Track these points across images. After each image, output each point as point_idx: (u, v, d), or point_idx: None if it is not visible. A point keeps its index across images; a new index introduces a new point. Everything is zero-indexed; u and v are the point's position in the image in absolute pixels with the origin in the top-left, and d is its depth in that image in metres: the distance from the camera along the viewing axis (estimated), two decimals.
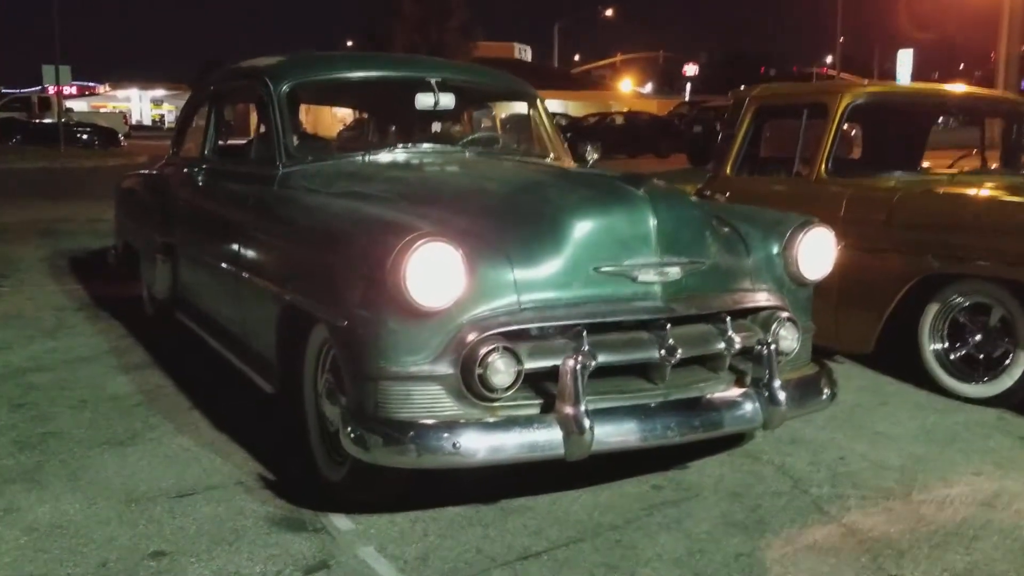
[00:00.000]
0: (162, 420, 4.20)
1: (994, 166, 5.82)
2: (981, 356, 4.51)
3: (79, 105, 53.00)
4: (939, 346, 4.63)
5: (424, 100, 4.54)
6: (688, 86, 78.21)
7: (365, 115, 5.84)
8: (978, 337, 4.50)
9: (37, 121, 33.27)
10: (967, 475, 3.63)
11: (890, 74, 64.12)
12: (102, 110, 54.43)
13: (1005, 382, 4.35)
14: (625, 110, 37.46)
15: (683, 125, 30.51)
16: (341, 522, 3.15)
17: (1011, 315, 4.32)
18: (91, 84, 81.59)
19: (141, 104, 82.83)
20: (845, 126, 5.24)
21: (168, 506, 3.29)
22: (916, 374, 4.74)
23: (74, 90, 66.45)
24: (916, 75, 61.12)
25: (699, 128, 25.72)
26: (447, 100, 4.57)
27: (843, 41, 58.29)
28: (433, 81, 4.56)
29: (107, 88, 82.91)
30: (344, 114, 6.15)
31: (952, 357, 4.60)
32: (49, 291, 7.30)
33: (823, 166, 5.18)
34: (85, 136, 31.19)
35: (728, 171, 5.82)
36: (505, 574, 2.83)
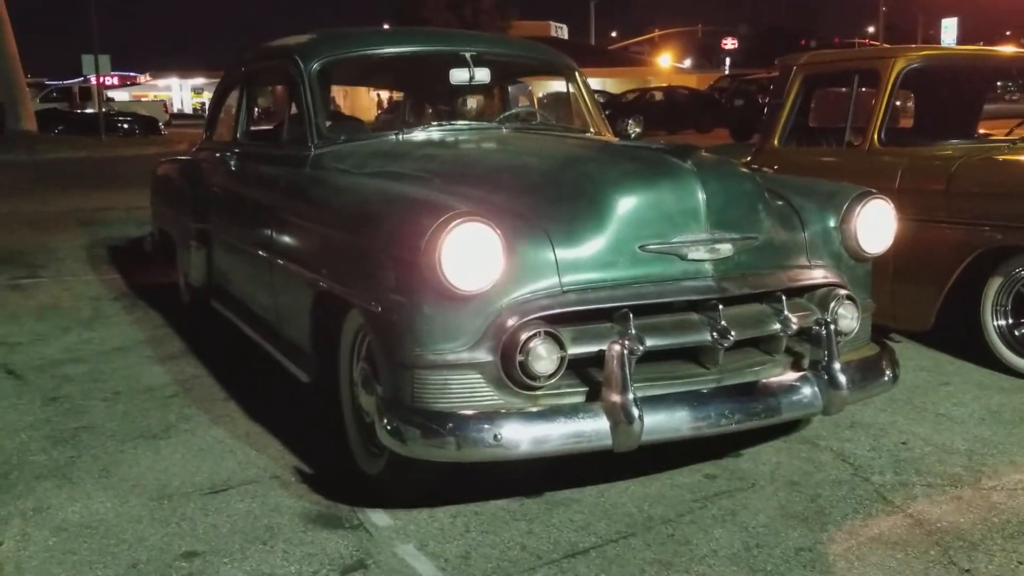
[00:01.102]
0: (197, 411, 4.11)
1: None
2: None
3: (120, 95, 53.66)
4: (1003, 322, 4.40)
5: (459, 75, 4.39)
6: (728, 60, 77.19)
7: (398, 94, 5.72)
8: None
9: (79, 111, 33.60)
10: None
11: (935, 42, 62.86)
12: (143, 99, 54.97)
13: None
14: (664, 85, 36.95)
15: (724, 99, 30.08)
16: (379, 518, 3.03)
17: None
18: (132, 74, 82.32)
19: (181, 93, 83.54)
20: (899, 93, 4.99)
21: (201, 503, 3.18)
22: (978, 352, 4.53)
23: (115, 80, 67.01)
24: (961, 43, 59.87)
25: (740, 101, 25.35)
26: (482, 74, 4.43)
27: (885, 10, 57.19)
28: (468, 55, 4.42)
29: (148, 77, 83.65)
30: (380, 95, 6.05)
31: (1017, 333, 4.37)
32: (86, 280, 7.27)
33: (876, 135, 4.94)
34: (126, 125, 31.43)
35: (776, 142, 5.60)
36: (551, 572, 2.68)
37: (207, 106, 7.50)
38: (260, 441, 3.73)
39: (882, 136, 4.94)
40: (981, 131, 5.87)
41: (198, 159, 5.75)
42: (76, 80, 41.62)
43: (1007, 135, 5.36)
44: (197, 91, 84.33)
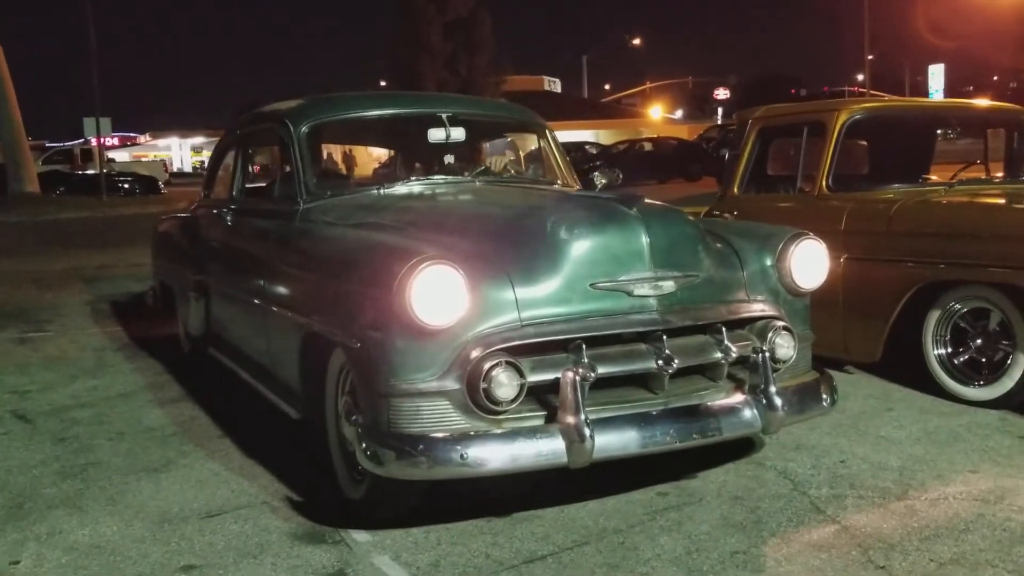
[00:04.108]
0: (194, 448, 4.43)
1: (999, 175, 5.92)
2: (983, 360, 4.61)
3: (121, 155, 54.37)
4: (942, 351, 4.74)
5: (436, 134, 4.76)
6: (720, 110, 78.27)
7: (382, 151, 6.07)
8: (979, 341, 4.62)
9: (80, 172, 34.14)
10: (964, 473, 3.75)
11: (922, 88, 63.89)
12: (143, 159, 55.65)
13: (1006, 384, 4.45)
14: (654, 136, 37.58)
15: (711, 148, 30.63)
16: (359, 535, 3.34)
17: (1008, 319, 4.43)
18: (132, 134, 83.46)
19: (181, 152, 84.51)
20: (844, 142, 5.38)
21: (198, 525, 3.50)
22: (923, 380, 4.85)
23: (115, 141, 67.99)
24: (948, 89, 60.85)
25: (726, 151, 25.78)
26: (458, 134, 4.79)
27: (872, 59, 58.16)
28: (444, 116, 4.78)
29: (147, 137, 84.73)
30: (374, 152, 6.35)
31: (955, 361, 4.72)
32: (90, 333, 7.61)
33: (824, 181, 5.33)
34: (126, 185, 31.95)
35: (735, 190, 5.99)
36: None
37: (207, 163, 7.87)
38: (252, 472, 4.05)
39: (829, 182, 5.32)
40: (932, 176, 6.25)
41: (197, 215, 6.11)
42: (77, 142, 42.29)
43: (951, 178, 5.75)
44: (197, 150, 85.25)
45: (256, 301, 4.39)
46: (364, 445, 3.08)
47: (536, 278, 3.16)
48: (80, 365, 6.38)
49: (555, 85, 67.83)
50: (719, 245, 3.68)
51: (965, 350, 4.69)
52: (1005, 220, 4.62)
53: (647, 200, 3.49)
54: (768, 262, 3.67)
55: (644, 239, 3.26)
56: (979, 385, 4.60)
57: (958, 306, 4.67)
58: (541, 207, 3.80)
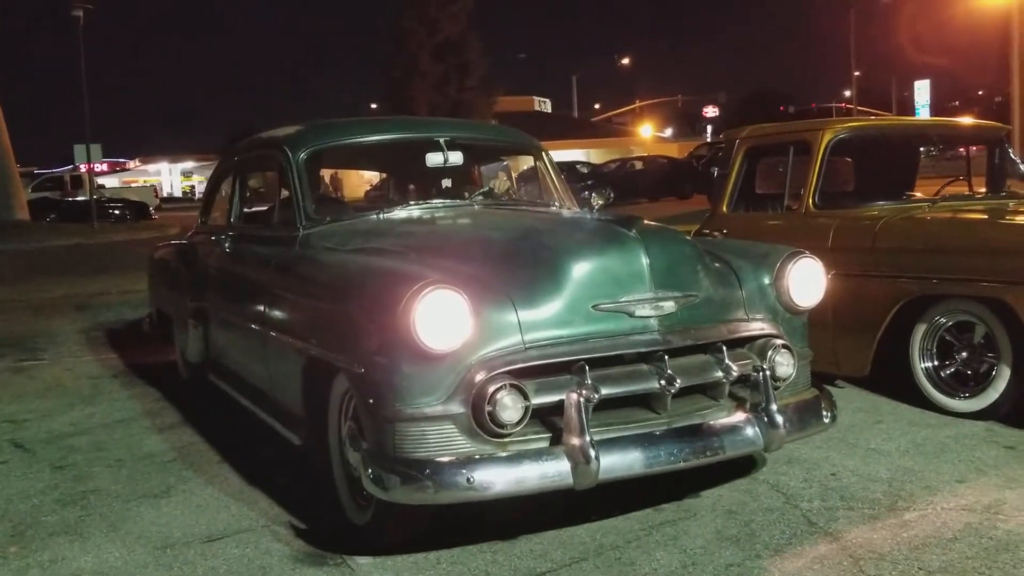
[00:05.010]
0: (194, 474, 4.47)
1: (981, 191, 6.03)
2: (969, 372, 4.70)
3: (110, 181, 54.42)
4: (929, 364, 4.83)
5: (434, 159, 4.79)
6: (709, 127, 78.68)
7: (380, 176, 6.11)
8: (964, 354, 4.71)
9: (70, 199, 34.14)
10: (951, 484, 3.82)
11: (908, 104, 64.40)
12: (133, 184, 55.69)
13: (991, 395, 4.54)
14: (644, 155, 37.80)
15: (701, 166, 30.80)
16: (361, 558, 3.38)
17: (992, 332, 4.51)
18: (121, 160, 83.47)
19: (171, 177, 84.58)
20: (830, 161, 5.48)
21: (200, 550, 3.54)
22: (911, 393, 4.94)
23: (104, 167, 67.96)
24: (935, 104, 61.35)
25: (715, 169, 25.91)
26: (455, 158, 4.82)
27: (860, 75, 58.66)
28: (442, 140, 4.81)
29: (137, 163, 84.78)
30: (373, 177, 6.40)
31: (942, 374, 4.80)
32: (85, 361, 7.65)
33: (811, 199, 5.43)
34: (117, 211, 31.97)
35: (724, 209, 6.08)
36: None
37: (203, 191, 7.88)
38: (252, 497, 4.09)
39: (816, 200, 5.42)
40: (916, 192, 6.36)
41: (195, 242, 6.15)
42: (66, 168, 42.29)
43: (935, 194, 5.85)
44: (187, 175, 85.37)
45: (256, 327, 4.39)
46: (370, 471, 3.09)
47: (538, 301, 3.18)
48: (76, 393, 6.42)
49: (545, 105, 68.15)
50: (717, 264, 3.71)
51: (951, 363, 4.78)
52: (988, 235, 4.71)
53: (645, 221, 3.53)
54: (766, 281, 3.71)
55: (644, 260, 3.29)
56: (965, 397, 4.69)
57: (943, 320, 4.76)
58: (541, 230, 3.82)
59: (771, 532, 3.42)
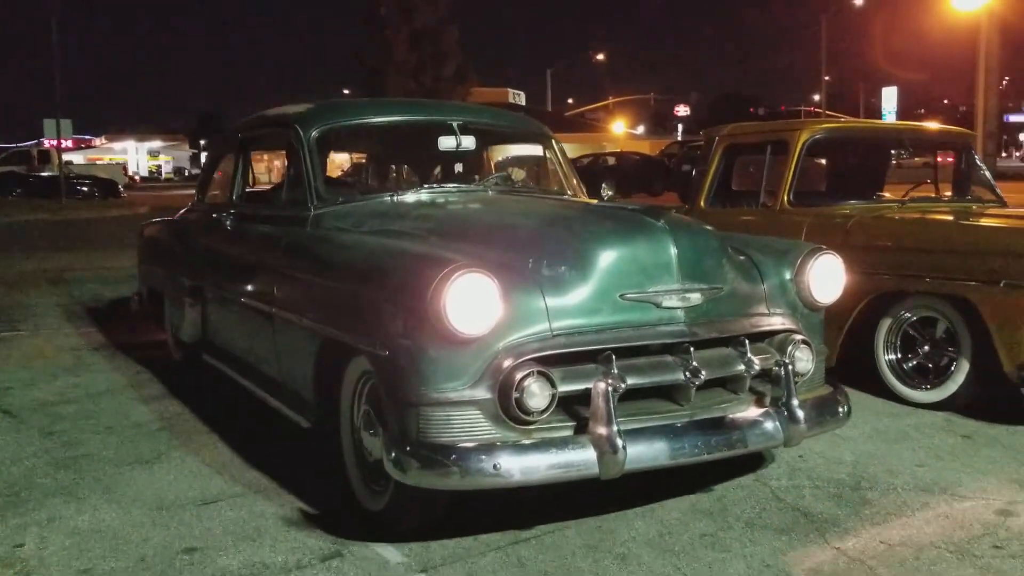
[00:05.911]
0: (183, 442, 4.59)
1: (947, 194, 6.28)
2: (930, 365, 4.94)
3: (76, 158, 53.71)
4: (892, 357, 5.07)
5: (447, 142, 4.77)
6: (680, 127, 79.28)
7: (391, 157, 6.01)
8: (926, 348, 4.95)
9: (36, 175, 33.78)
10: (911, 467, 4.06)
11: (876, 110, 65.39)
12: (99, 162, 55.09)
13: (950, 387, 4.79)
14: (617, 151, 38.05)
15: (673, 164, 31.11)
16: (352, 520, 3.53)
17: (954, 327, 4.75)
18: (87, 137, 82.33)
19: (138, 156, 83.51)
20: (805, 160, 5.70)
21: (195, 512, 3.68)
22: (875, 384, 5.17)
23: (70, 143, 67.11)
24: (901, 111, 62.32)
25: (688, 167, 26.25)
26: (468, 142, 4.81)
27: (829, 80, 59.38)
28: (455, 124, 4.78)
29: (103, 140, 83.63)
30: (383, 158, 6.34)
31: (905, 367, 5.04)
32: (65, 333, 7.70)
33: (785, 197, 5.64)
34: (85, 188, 31.73)
35: (702, 204, 6.28)
36: (499, 556, 3.22)
37: (201, 167, 7.70)
38: (242, 465, 4.22)
39: (791, 198, 5.64)
40: (885, 193, 6.60)
41: (190, 220, 6.04)
42: (31, 143, 41.81)
43: (903, 196, 6.08)
44: (154, 154, 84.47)
45: (263, 308, 4.28)
46: (393, 454, 3.05)
47: (566, 288, 3.17)
48: (59, 364, 6.48)
49: (519, 98, 68.20)
50: (740, 258, 3.71)
51: (914, 356, 5.02)
52: (953, 236, 4.95)
53: (673, 212, 3.58)
54: (787, 276, 3.72)
55: (673, 251, 3.29)
56: (926, 389, 4.93)
57: (908, 315, 4.99)
58: (569, 217, 3.83)
59: (742, 507, 3.62)
